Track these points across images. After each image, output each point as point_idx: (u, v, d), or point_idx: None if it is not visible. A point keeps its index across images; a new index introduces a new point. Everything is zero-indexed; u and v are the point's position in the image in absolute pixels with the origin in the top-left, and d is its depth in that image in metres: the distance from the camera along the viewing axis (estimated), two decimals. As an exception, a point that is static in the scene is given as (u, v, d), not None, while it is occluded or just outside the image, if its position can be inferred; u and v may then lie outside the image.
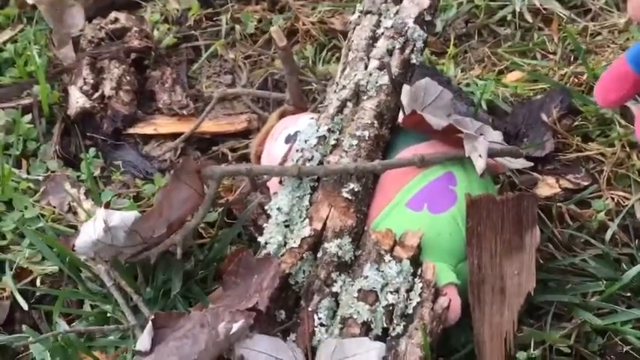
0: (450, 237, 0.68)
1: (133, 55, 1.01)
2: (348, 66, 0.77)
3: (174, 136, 0.94)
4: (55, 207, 0.86)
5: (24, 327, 0.73)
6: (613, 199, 0.83)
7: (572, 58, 1.00)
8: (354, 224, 0.67)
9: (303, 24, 1.06)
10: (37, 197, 0.87)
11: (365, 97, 0.73)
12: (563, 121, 0.91)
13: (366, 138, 0.71)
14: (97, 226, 0.68)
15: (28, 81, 0.99)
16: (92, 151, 0.92)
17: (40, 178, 0.89)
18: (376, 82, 0.74)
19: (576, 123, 0.91)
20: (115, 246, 0.70)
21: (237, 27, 1.06)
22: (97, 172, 0.90)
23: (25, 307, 0.76)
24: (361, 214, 0.69)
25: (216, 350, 0.59)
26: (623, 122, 0.90)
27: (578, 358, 0.70)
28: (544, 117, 0.90)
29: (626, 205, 0.82)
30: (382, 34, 0.77)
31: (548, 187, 0.85)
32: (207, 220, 0.82)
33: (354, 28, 0.79)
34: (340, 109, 0.73)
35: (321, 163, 0.70)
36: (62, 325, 0.73)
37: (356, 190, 0.68)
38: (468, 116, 0.81)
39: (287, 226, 0.68)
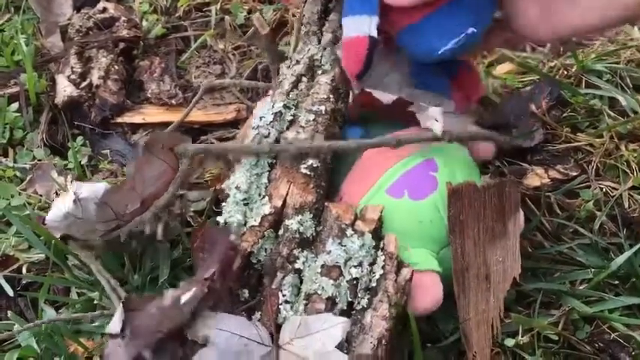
0: (431, 224, 0.67)
1: (121, 45, 1.00)
2: (301, 40, 0.75)
3: (162, 125, 0.93)
4: (41, 195, 0.85)
5: (10, 314, 0.73)
6: (601, 189, 0.83)
7: (561, 50, 1.00)
8: (314, 200, 0.66)
9: (293, 15, 1.05)
10: (24, 185, 0.86)
11: (320, 72, 0.72)
12: (552, 112, 0.91)
13: (323, 112, 0.69)
14: (67, 198, 0.67)
15: (16, 69, 0.99)
16: (80, 139, 0.92)
17: (27, 166, 0.89)
18: (330, 56, 0.72)
19: (565, 114, 0.91)
20: (87, 220, 0.68)
21: (227, 18, 1.06)
22: (84, 161, 0.90)
23: (11, 293, 0.75)
24: (321, 189, 0.67)
25: (164, 319, 0.58)
26: (612, 113, 0.90)
27: (566, 345, 0.70)
28: (533, 108, 0.90)
29: (615, 195, 0.82)
30: (334, 7, 0.75)
31: (537, 177, 0.84)
32: (196, 209, 0.82)
33: (305, 2, 0.76)
34: (295, 85, 0.72)
35: (277, 139, 0.69)
36: (48, 312, 0.73)
37: (315, 165, 0.67)
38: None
39: (246, 205, 0.67)
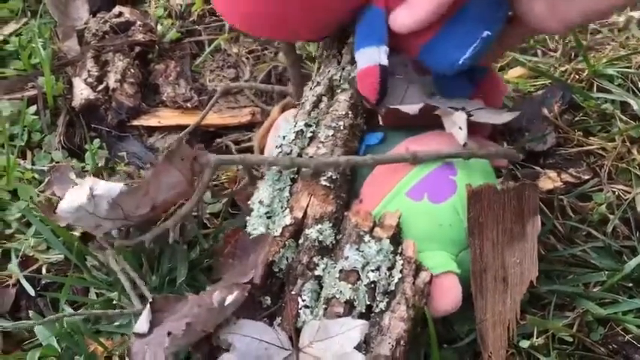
0: (450, 227, 0.67)
1: (137, 49, 1.01)
2: (323, 64, 0.77)
3: (178, 128, 0.94)
4: (59, 197, 0.86)
5: (30, 312, 0.74)
6: (614, 192, 0.84)
7: (572, 55, 1.01)
8: (334, 210, 0.68)
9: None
10: (42, 187, 0.87)
11: (339, 91, 0.74)
12: (564, 117, 0.92)
13: (342, 128, 0.71)
14: (82, 192, 0.69)
15: (33, 73, 1.00)
16: (97, 142, 0.93)
17: (45, 168, 0.90)
18: (349, 75, 0.74)
19: (577, 118, 0.92)
20: (96, 216, 0.70)
21: (241, 22, 1.07)
22: (101, 163, 0.91)
23: (32, 292, 0.76)
24: (341, 199, 0.69)
25: (210, 318, 0.59)
26: (623, 117, 0.91)
27: (580, 346, 0.71)
28: (545, 112, 0.91)
29: (627, 199, 0.82)
30: (353, 31, 0.77)
31: (549, 180, 0.85)
32: (212, 211, 0.83)
33: None
34: (316, 105, 0.74)
35: (299, 156, 0.71)
36: (68, 312, 0.74)
37: (334, 177, 0.69)
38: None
39: (269, 218, 0.68)
